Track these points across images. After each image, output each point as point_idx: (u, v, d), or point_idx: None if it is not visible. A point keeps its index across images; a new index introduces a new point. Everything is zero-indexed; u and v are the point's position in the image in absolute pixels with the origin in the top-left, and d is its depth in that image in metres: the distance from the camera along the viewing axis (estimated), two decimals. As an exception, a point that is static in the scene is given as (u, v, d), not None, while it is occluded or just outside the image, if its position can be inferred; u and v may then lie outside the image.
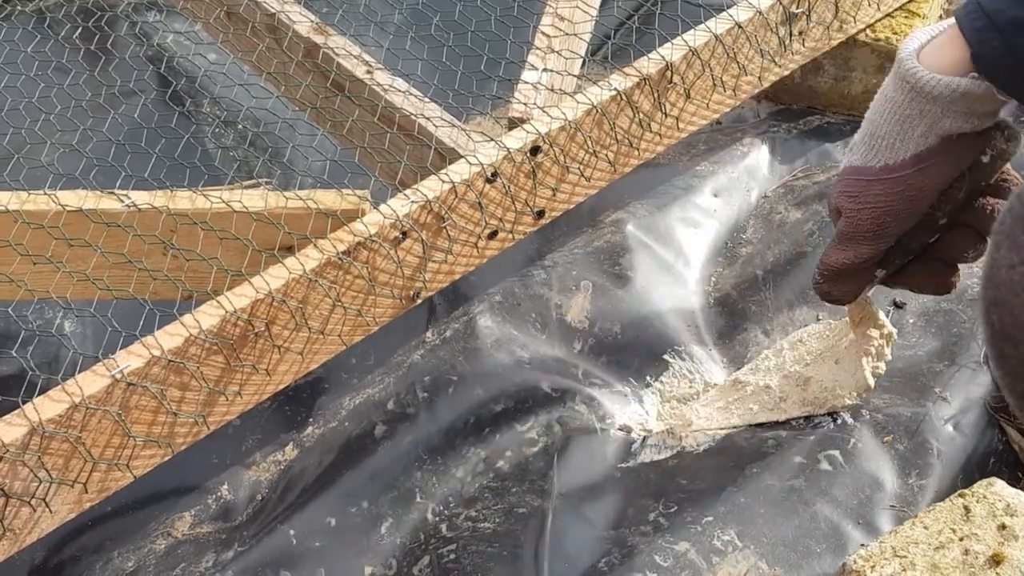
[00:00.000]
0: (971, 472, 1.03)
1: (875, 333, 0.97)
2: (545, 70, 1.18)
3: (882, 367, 0.99)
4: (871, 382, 1.01)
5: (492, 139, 1.05)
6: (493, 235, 1.07)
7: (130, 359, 0.85)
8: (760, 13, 1.18)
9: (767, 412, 1.05)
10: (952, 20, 0.75)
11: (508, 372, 1.12)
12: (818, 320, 1.11)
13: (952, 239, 0.85)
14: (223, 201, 1.01)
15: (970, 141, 0.78)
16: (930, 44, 0.75)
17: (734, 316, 1.20)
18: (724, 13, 1.17)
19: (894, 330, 0.99)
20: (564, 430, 1.07)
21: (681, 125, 1.19)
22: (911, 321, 1.15)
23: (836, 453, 1.03)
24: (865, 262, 0.85)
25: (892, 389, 1.08)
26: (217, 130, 1.47)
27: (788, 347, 1.08)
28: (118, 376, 0.84)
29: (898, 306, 1.16)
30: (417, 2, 1.42)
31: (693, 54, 1.13)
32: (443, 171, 1.01)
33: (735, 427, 1.06)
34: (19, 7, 1.64)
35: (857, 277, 0.86)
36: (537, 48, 1.21)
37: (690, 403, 1.09)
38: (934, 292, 0.91)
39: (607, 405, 1.11)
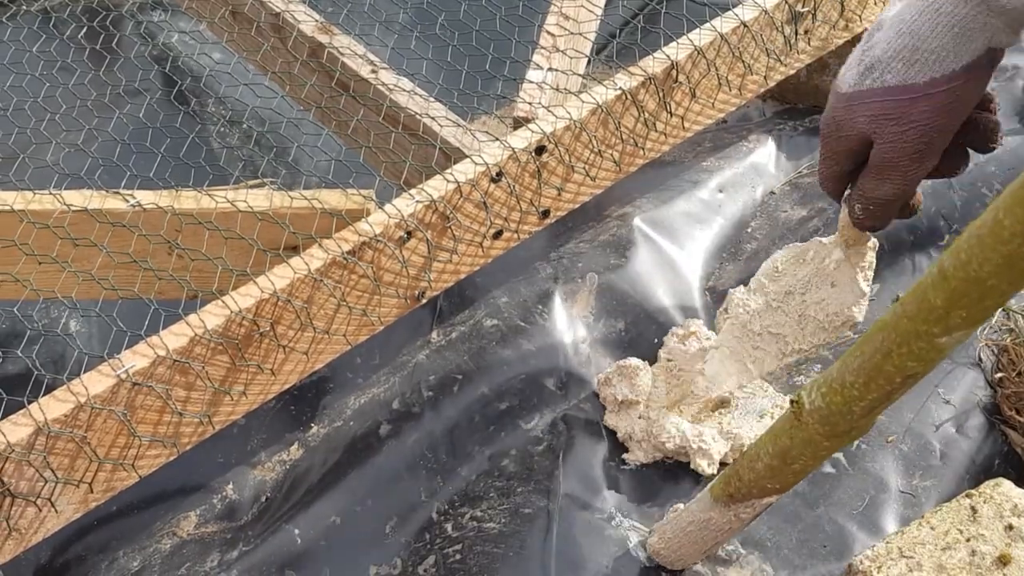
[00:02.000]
0: (975, 473, 1.03)
1: (865, 249, 0.96)
2: (550, 69, 1.17)
3: (870, 275, 0.97)
4: (867, 289, 0.98)
5: (497, 139, 1.05)
6: (498, 235, 1.07)
7: (135, 359, 0.85)
8: (766, 12, 1.18)
9: (780, 357, 1.01)
10: None
11: (513, 370, 1.12)
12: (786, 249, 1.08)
13: (947, 157, 0.82)
14: (228, 201, 1.01)
15: (1000, 56, 0.77)
16: None
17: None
18: (729, 12, 1.17)
19: (875, 240, 0.97)
20: (569, 428, 1.07)
21: (687, 124, 1.19)
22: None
23: (840, 456, 1.03)
24: (914, 185, 0.81)
25: (898, 389, 1.08)
26: (222, 129, 1.47)
27: (767, 281, 1.04)
28: (123, 376, 0.84)
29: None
30: (422, 1, 1.42)
31: (699, 53, 1.13)
32: (448, 171, 1.01)
33: (745, 382, 1.03)
34: (24, 7, 1.64)
35: (903, 202, 0.83)
36: (542, 47, 1.21)
37: (694, 369, 1.07)
38: (905, 215, 0.88)
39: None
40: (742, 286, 1.05)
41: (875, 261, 0.95)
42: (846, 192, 0.87)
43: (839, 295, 0.97)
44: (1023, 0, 0.71)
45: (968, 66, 0.75)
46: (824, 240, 0.97)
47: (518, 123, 1.11)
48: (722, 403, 1.08)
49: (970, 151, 0.82)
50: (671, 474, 1.04)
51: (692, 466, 1.03)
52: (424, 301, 1.04)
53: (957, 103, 0.77)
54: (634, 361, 1.10)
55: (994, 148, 0.81)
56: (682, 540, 0.93)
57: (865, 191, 0.83)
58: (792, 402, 0.76)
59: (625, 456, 1.05)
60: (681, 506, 0.95)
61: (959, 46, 0.75)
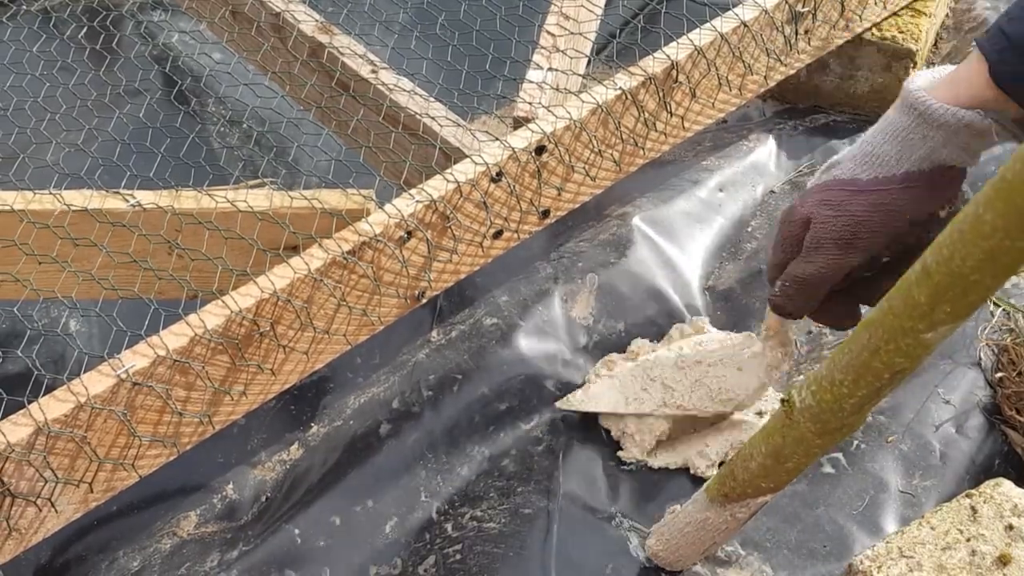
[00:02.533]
0: (976, 473, 1.03)
1: (780, 352, 0.99)
2: (550, 69, 1.18)
3: (776, 375, 1.01)
4: (769, 384, 1.01)
5: (497, 139, 1.05)
6: (498, 235, 1.07)
7: (135, 359, 0.85)
8: (766, 12, 1.18)
9: (658, 406, 1.04)
10: (949, 67, 0.83)
11: (513, 370, 1.12)
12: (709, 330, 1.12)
13: (880, 281, 0.87)
14: (228, 201, 1.01)
15: (953, 179, 0.83)
16: (937, 81, 0.82)
17: (738, 310, 1.20)
18: (730, 12, 1.17)
19: (796, 351, 1.01)
20: (569, 429, 1.07)
21: (687, 124, 1.19)
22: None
23: (839, 456, 1.03)
24: (832, 274, 0.86)
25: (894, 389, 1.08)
26: (222, 129, 1.47)
27: (686, 345, 1.09)
28: (123, 376, 0.84)
29: None
30: (422, 1, 1.42)
31: (699, 53, 1.13)
32: (448, 171, 1.01)
33: (620, 412, 1.06)
34: (24, 6, 1.64)
35: (818, 290, 0.88)
36: (542, 47, 1.21)
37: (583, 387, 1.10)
38: (836, 326, 0.94)
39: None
40: (659, 342, 1.11)
41: (786, 366, 1.00)
42: None
43: (740, 380, 1.02)
44: (955, 116, 0.79)
45: (908, 174, 0.83)
46: (753, 335, 1.02)
47: (518, 123, 1.11)
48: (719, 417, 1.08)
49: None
50: (671, 474, 1.04)
51: (691, 470, 1.03)
52: (424, 301, 1.04)
53: (892, 206, 0.83)
54: (614, 356, 1.12)
55: None
56: (680, 541, 0.93)
57: (790, 270, 0.89)
58: (783, 401, 0.76)
59: (620, 455, 1.05)
60: (678, 507, 0.95)
61: (901, 154, 0.83)
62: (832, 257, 0.85)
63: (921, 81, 0.83)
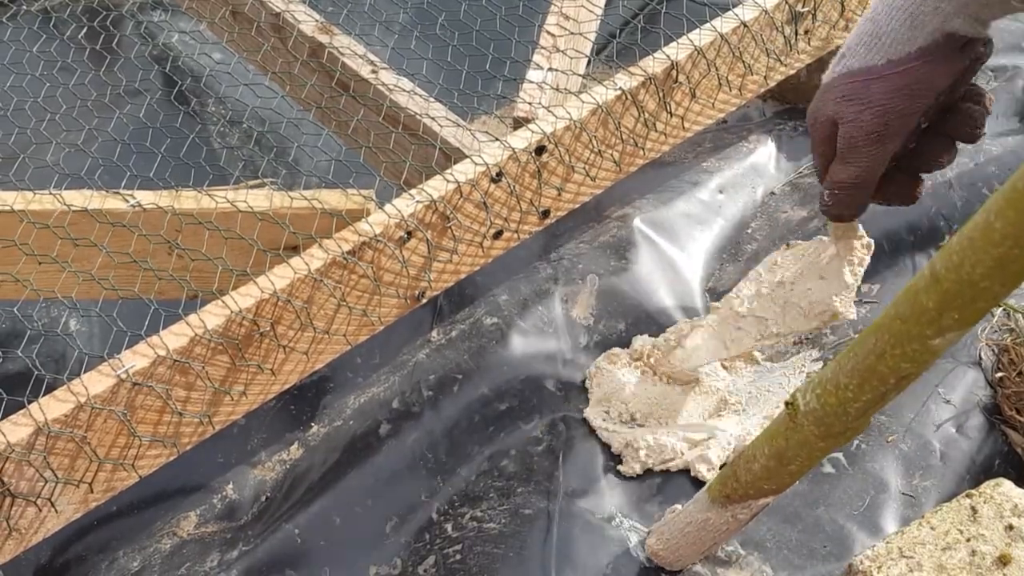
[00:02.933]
0: (976, 473, 1.03)
1: (857, 244, 0.96)
2: (550, 69, 1.17)
3: (860, 271, 0.98)
4: (851, 281, 0.98)
5: (497, 139, 1.05)
6: (498, 235, 1.07)
7: (135, 359, 0.85)
8: (766, 12, 1.18)
9: (758, 340, 1.02)
10: None
11: (513, 370, 1.12)
12: (788, 246, 1.08)
13: (929, 146, 0.85)
14: (228, 201, 1.01)
15: (966, 46, 0.80)
16: None
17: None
18: (730, 12, 1.17)
19: (871, 240, 0.98)
20: (569, 429, 1.07)
21: (687, 124, 1.19)
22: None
23: (840, 456, 1.03)
24: (875, 169, 0.83)
25: (898, 389, 1.08)
26: (222, 130, 1.47)
27: (764, 271, 1.05)
28: (123, 376, 0.84)
29: None
30: (422, 1, 1.42)
31: (699, 53, 1.13)
32: (448, 171, 1.01)
33: (726, 359, 1.04)
34: (24, 7, 1.64)
35: (866, 188, 0.85)
36: (542, 47, 1.21)
37: (677, 347, 1.08)
38: (902, 203, 0.90)
39: (612, 405, 1.10)
40: (742, 281, 1.05)
41: (867, 258, 0.95)
42: None
43: (825, 286, 0.98)
44: None
45: (923, 49, 0.78)
46: (824, 238, 0.97)
47: (518, 123, 1.11)
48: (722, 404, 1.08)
49: (957, 144, 0.84)
50: (671, 475, 1.04)
51: (692, 472, 1.03)
52: (424, 301, 1.04)
53: (914, 85, 0.79)
54: (617, 350, 1.12)
55: (977, 138, 0.83)
56: (680, 541, 0.93)
57: (830, 175, 0.85)
58: (787, 404, 0.76)
59: (621, 468, 1.04)
60: (679, 507, 0.95)
61: (913, 30, 0.78)
62: (870, 153, 0.82)
63: None
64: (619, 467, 1.04)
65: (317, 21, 1.25)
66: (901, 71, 0.79)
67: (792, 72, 1.29)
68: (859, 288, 1.01)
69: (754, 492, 0.84)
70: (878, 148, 0.81)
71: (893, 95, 0.79)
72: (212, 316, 0.89)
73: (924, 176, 0.87)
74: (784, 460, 0.79)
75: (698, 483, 1.02)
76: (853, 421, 0.73)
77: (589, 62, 1.29)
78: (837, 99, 0.82)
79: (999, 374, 1.09)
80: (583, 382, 1.11)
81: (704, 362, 1.05)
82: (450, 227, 1.01)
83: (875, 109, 0.80)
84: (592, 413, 1.08)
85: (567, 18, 1.24)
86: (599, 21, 1.31)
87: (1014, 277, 0.57)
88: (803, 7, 1.22)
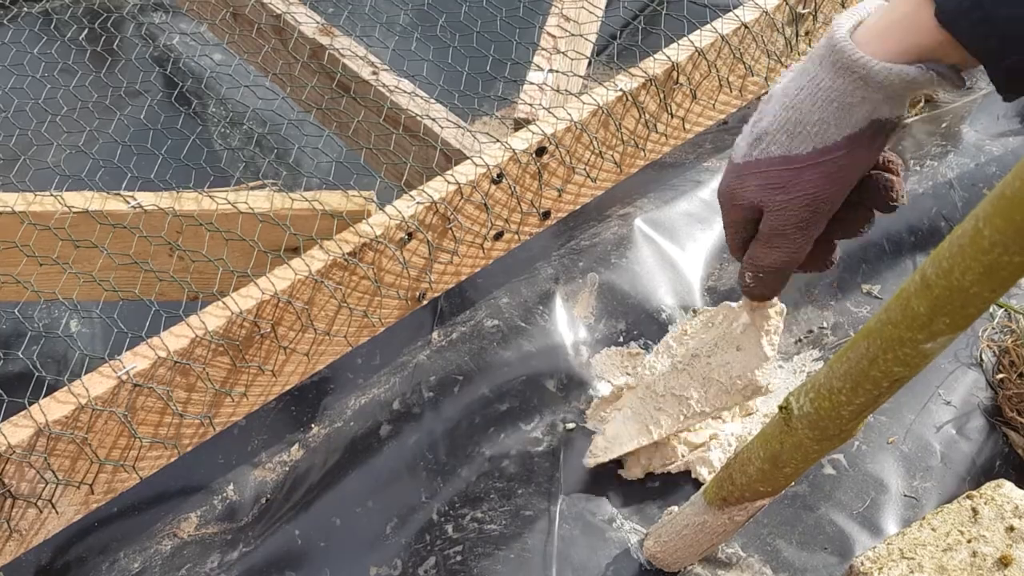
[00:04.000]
0: (976, 474, 1.03)
1: (771, 312, 0.96)
2: (551, 71, 1.18)
3: (776, 339, 0.98)
4: (771, 354, 0.98)
5: (498, 140, 1.05)
6: (499, 236, 1.07)
7: (136, 360, 0.85)
8: (766, 13, 1.18)
9: (682, 420, 1.01)
10: (869, 2, 0.76)
11: (513, 371, 1.12)
12: (695, 313, 1.07)
13: (849, 217, 0.84)
14: (229, 202, 1.01)
15: (887, 123, 0.79)
16: (867, 28, 0.75)
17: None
18: (730, 13, 1.17)
19: (783, 305, 0.98)
20: (569, 430, 1.07)
21: (687, 126, 1.19)
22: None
23: (840, 457, 1.03)
24: (801, 252, 0.83)
25: (899, 390, 1.08)
26: (223, 131, 1.47)
27: (674, 343, 1.06)
28: (124, 377, 0.84)
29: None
30: (423, 3, 1.42)
31: (699, 54, 1.13)
32: (449, 172, 1.01)
33: (644, 443, 1.02)
34: (25, 8, 1.64)
35: (789, 270, 0.85)
36: (543, 49, 1.21)
37: (598, 433, 1.06)
38: (819, 269, 0.89)
39: (613, 406, 1.10)
40: (650, 354, 1.05)
41: (781, 325, 0.96)
42: None
43: (743, 358, 0.98)
44: (900, 76, 0.72)
45: (850, 137, 0.77)
46: (733, 305, 0.98)
47: (519, 124, 1.11)
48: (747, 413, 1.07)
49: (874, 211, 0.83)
50: (672, 477, 1.04)
51: (693, 475, 1.03)
52: (425, 302, 1.05)
53: (841, 172, 0.78)
54: (613, 349, 1.11)
55: (895, 207, 0.82)
56: (678, 543, 0.93)
57: (754, 259, 0.85)
58: (781, 408, 0.76)
59: (622, 473, 1.04)
60: (676, 509, 0.95)
61: (840, 118, 0.77)
62: (797, 240, 0.81)
63: (846, 28, 0.75)
64: (620, 469, 1.04)
65: (318, 23, 1.25)
66: (829, 160, 0.78)
67: (793, 73, 1.29)
68: (776, 357, 1.01)
69: (750, 494, 0.84)
70: (804, 234, 0.81)
71: (821, 183, 0.79)
72: (213, 317, 0.89)
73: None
74: (779, 463, 0.79)
75: (699, 485, 1.02)
76: (847, 424, 0.73)
77: (590, 63, 1.29)
78: (761, 186, 0.81)
79: (1000, 375, 1.09)
80: (585, 384, 1.11)
81: (629, 449, 1.02)
82: (451, 228, 1.01)
83: (804, 197, 0.79)
84: (593, 418, 1.09)
85: (567, 19, 1.24)
86: (599, 22, 1.31)
87: (1003, 282, 0.57)
88: (804, 8, 1.22)
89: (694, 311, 1.05)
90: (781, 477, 0.81)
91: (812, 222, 0.81)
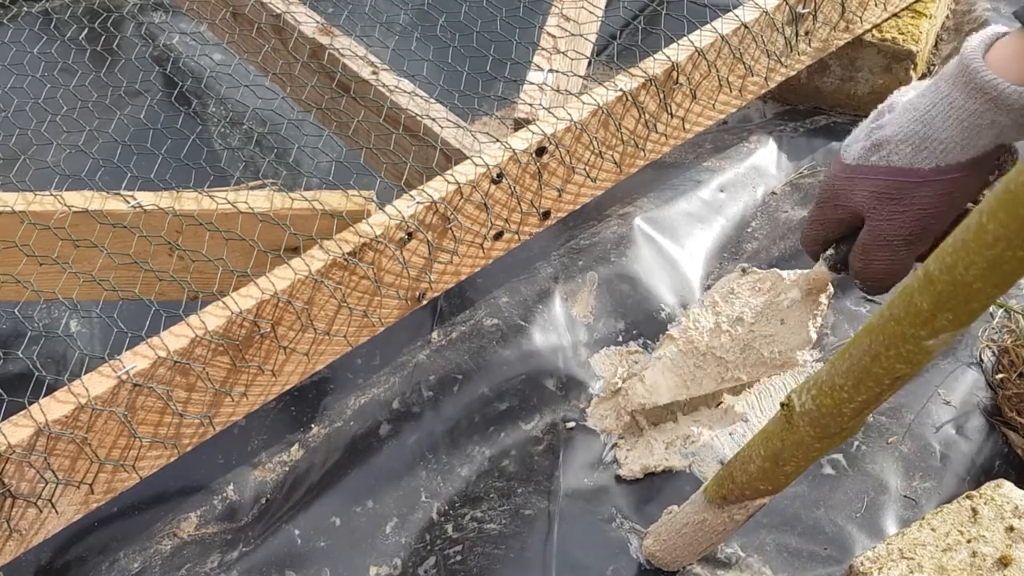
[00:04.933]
0: (976, 474, 1.03)
1: (822, 298, 0.96)
2: (551, 71, 1.18)
3: (819, 322, 0.99)
4: (814, 337, 0.99)
5: (498, 140, 1.05)
6: (499, 236, 1.07)
7: (136, 360, 0.85)
8: (766, 13, 1.18)
9: (719, 383, 1.02)
10: (996, 29, 0.76)
11: (513, 370, 1.12)
12: (744, 272, 1.07)
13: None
14: (229, 202, 1.01)
15: (1005, 154, 0.80)
16: (1001, 54, 0.75)
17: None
18: (730, 13, 1.17)
19: (832, 289, 0.98)
20: (568, 429, 1.07)
21: (687, 126, 1.19)
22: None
23: (840, 457, 1.03)
24: (902, 269, 0.83)
25: (898, 390, 1.08)
26: (223, 131, 1.47)
27: (721, 300, 1.05)
28: (124, 377, 0.84)
29: None
30: (423, 3, 1.42)
31: (699, 55, 1.13)
32: (449, 172, 1.01)
33: (685, 399, 1.04)
34: (25, 8, 1.64)
35: (897, 279, 0.85)
36: (543, 49, 1.21)
37: (637, 376, 1.07)
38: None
39: (613, 406, 1.10)
40: (695, 305, 1.05)
41: (828, 310, 0.96)
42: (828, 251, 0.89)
43: (786, 335, 0.99)
44: None
45: (974, 160, 0.77)
46: (783, 275, 0.98)
47: (519, 124, 1.11)
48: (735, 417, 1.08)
49: None
50: (671, 476, 1.04)
51: (693, 474, 1.03)
52: (425, 302, 1.04)
53: (957, 193, 0.79)
54: (610, 349, 1.12)
55: None
56: (677, 542, 0.93)
57: (858, 272, 0.85)
58: (783, 405, 0.76)
59: (621, 473, 1.04)
60: (675, 508, 0.95)
61: (967, 140, 0.77)
62: (900, 252, 0.82)
63: (978, 51, 0.75)
64: (619, 468, 1.04)
65: (318, 22, 1.25)
66: (949, 179, 0.78)
67: (793, 73, 1.29)
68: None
69: (750, 493, 0.84)
70: (908, 249, 0.81)
71: (937, 200, 0.79)
72: (213, 317, 0.89)
73: None
74: (780, 461, 0.80)
75: (699, 484, 1.02)
76: (848, 421, 0.73)
77: (590, 63, 1.29)
78: (873, 193, 0.81)
79: (999, 375, 1.09)
80: (584, 383, 1.11)
81: (665, 401, 1.04)
82: (451, 228, 1.01)
83: (917, 211, 0.79)
84: (593, 416, 1.08)
85: (567, 19, 1.24)
86: (599, 22, 1.31)
87: (1007, 278, 0.57)
88: (804, 8, 1.22)
89: (742, 269, 1.05)
90: (782, 475, 0.81)
91: (920, 238, 0.81)
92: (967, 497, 0.91)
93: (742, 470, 0.83)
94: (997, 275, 0.57)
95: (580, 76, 1.22)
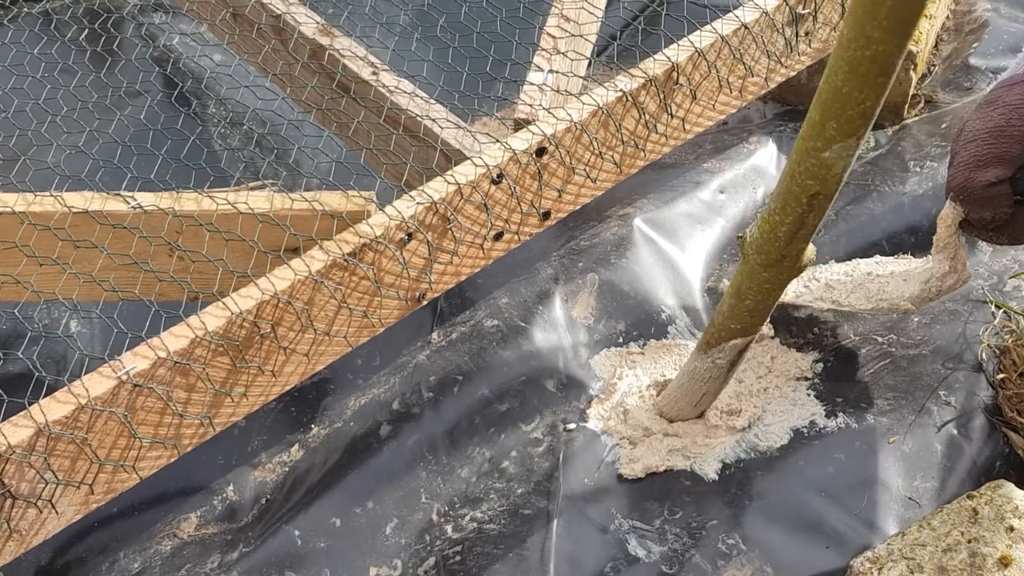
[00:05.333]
0: (977, 475, 1.03)
1: (950, 264, 1.03)
2: (551, 71, 1.18)
3: (940, 287, 1.05)
4: (932, 298, 1.06)
5: (498, 140, 1.05)
6: (499, 236, 1.07)
7: (136, 360, 0.85)
8: (766, 14, 1.18)
9: (816, 300, 1.11)
10: None
11: (513, 371, 1.12)
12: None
13: None
14: (229, 203, 1.01)
15: None
16: None
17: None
18: (730, 14, 1.17)
19: (970, 274, 1.05)
20: (568, 431, 1.07)
21: (687, 126, 1.19)
22: (916, 320, 1.15)
23: (841, 456, 1.03)
24: (988, 160, 0.89)
25: (896, 389, 1.08)
26: (223, 131, 1.47)
27: (877, 266, 1.14)
28: (124, 377, 0.84)
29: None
30: (423, 3, 1.42)
31: (699, 55, 1.13)
32: (449, 172, 1.01)
33: (811, 304, 1.12)
34: (25, 9, 1.64)
35: (984, 177, 0.91)
36: (543, 49, 1.21)
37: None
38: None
39: (613, 406, 1.10)
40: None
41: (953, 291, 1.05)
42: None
43: (902, 286, 1.07)
44: None
45: None
46: (935, 268, 1.05)
47: (519, 125, 1.11)
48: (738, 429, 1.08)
49: None
50: (671, 475, 1.04)
51: (694, 474, 1.03)
52: (425, 303, 1.05)
53: None
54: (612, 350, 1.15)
55: None
56: (677, 394, 1.03)
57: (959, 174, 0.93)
58: (738, 238, 0.85)
59: (621, 470, 1.04)
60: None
61: None
62: (984, 146, 0.88)
63: None
64: (620, 468, 1.04)
65: (318, 23, 1.25)
66: None
67: (793, 74, 1.29)
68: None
69: (725, 334, 0.94)
70: (992, 146, 0.88)
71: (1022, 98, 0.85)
72: (213, 318, 0.89)
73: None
74: (740, 295, 0.89)
75: (700, 482, 1.02)
76: (785, 247, 0.81)
77: (590, 64, 1.29)
78: (978, 104, 0.89)
79: (1000, 375, 1.09)
80: (584, 384, 1.11)
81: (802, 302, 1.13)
82: (451, 229, 1.01)
83: (1001, 108, 0.87)
84: (594, 417, 1.08)
85: (567, 20, 1.24)
86: (599, 23, 1.31)
87: (864, 80, 0.64)
88: (804, 9, 1.22)
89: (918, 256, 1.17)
90: (744, 312, 0.90)
91: (1003, 130, 0.88)
92: (968, 497, 0.91)
93: (718, 312, 0.94)
94: (856, 77, 0.64)
95: (580, 77, 1.22)
